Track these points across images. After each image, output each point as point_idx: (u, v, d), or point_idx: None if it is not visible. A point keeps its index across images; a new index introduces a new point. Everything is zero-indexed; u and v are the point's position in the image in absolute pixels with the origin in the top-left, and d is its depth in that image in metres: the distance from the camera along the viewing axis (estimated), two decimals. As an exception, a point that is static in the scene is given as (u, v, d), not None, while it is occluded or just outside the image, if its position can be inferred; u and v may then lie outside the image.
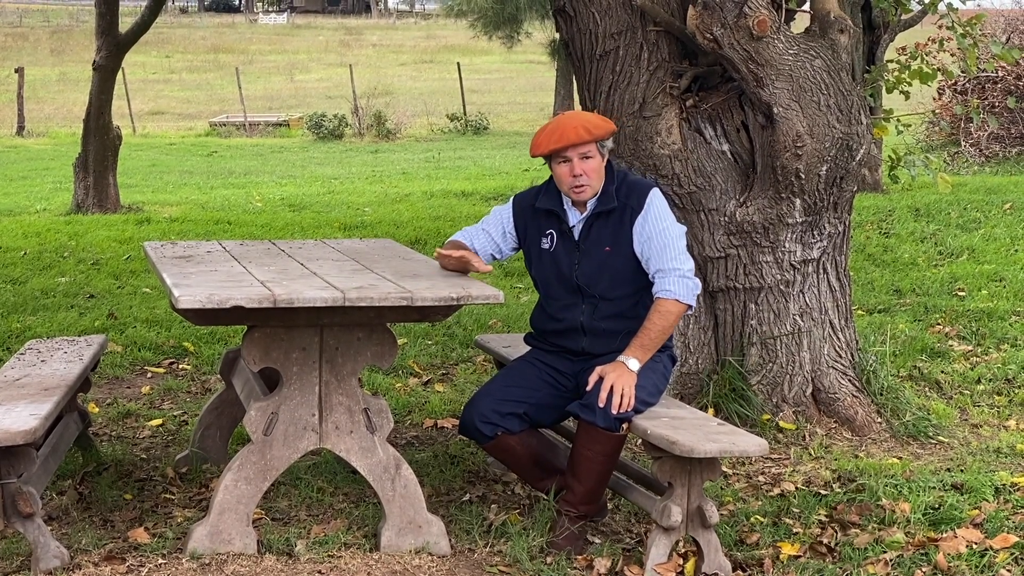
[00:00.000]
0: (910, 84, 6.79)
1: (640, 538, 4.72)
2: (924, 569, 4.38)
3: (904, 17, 9.75)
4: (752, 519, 4.85)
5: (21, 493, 4.20)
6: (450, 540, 4.58)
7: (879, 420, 6.03)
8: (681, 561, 4.43)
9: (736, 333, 6.03)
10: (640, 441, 4.84)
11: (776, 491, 5.19)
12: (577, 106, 6.17)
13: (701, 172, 5.91)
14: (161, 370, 7.37)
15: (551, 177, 4.73)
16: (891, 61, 6.94)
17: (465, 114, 32.88)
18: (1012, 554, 4.47)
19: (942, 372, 7.01)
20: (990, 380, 6.91)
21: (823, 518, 4.87)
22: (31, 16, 77.13)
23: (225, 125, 33.27)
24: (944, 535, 4.61)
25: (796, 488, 5.21)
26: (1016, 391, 6.73)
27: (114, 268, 10.58)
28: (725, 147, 5.98)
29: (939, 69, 7.02)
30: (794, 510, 4.95)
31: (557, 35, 8.59)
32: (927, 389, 6.74)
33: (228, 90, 41.86)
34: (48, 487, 5.04)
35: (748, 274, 5.95)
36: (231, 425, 5.54)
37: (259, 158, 25.65)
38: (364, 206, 14.95)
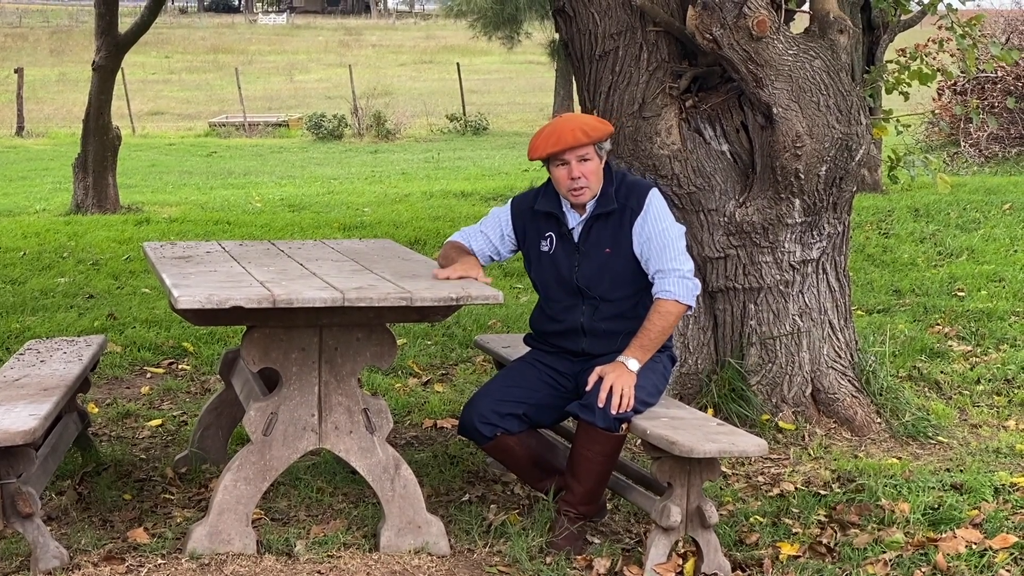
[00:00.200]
0: (909, 85, 6.79)
1: (639, 538, 4.72)
2: (923, 569, 4.38)
3: (903, 18, 9.77)
4: (751, 519, 4.85)
5: (20, 493, 4.20)
6: (449, 540, 4.58)
7: (878, 420, 6.03)
8: (680, 561, 4.43)
9: (735, 333, 6.03)
10: (640, 441, 4.84)
11: (775, 491, 5.19)
12: (577, 106, 6.17)
13: (700, 172, 5.91)
14: (160, 370, 7.37)
15: (549, 179, 4.73)
16: (890, 62, 6.94)
17: (464, 114, 32.88)
18: (1011, 554, 4.47)
19: (941, 372, 7.01)
20: (989, 380, 6.91)
21: (822, 518, 4.87)
22: (30, 16, 77.12)
23: (224, 125, 33.27)
24: (943, 535, 4.61)
25: (795, 488, 5.21)
26: (1015, 391, 6.73)
27: (113, 268, 10.58)
28: (724, 147, 5.98)
29: (938, 70, 7.03)
30: (793, 510, 4.95)
31: (557, 35, 8.59)
32: (926, 389, 6.74)
33: (227, 90, 41.86)
34: (47, 487, 5.04)
35: (747, 274, 5.95)
36: (230, 425, 5.54)
37: (258, 158, 25.65)
38: (363, 206, 14.95)
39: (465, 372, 7.24)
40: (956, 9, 6.35)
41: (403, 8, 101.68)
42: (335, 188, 18.18)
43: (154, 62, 52.87)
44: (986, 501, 4.97)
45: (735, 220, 5.89)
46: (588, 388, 4.49)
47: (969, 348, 7.58)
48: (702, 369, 6.07)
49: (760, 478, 5.39)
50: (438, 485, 5.25)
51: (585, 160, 4.59)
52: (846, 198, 5.97)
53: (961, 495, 5.04)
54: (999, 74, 17.73)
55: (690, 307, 4.60)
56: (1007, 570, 4.38)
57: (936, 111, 17.31)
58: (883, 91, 6.85)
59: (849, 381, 6.09)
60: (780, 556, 4.51)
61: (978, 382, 6.88)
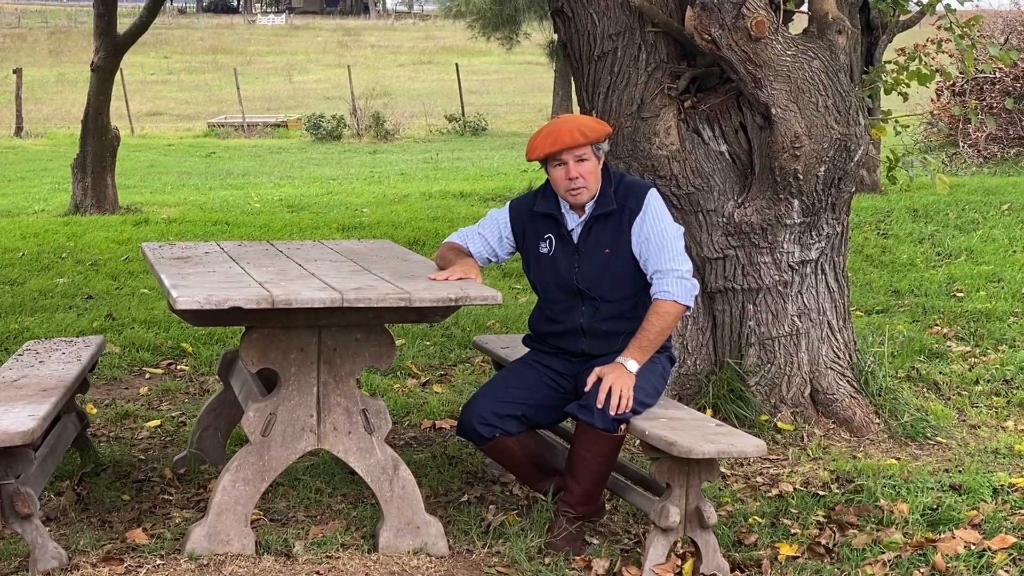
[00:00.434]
0: (908, 85, 6.79)
1: (638, 539, 4.72)
2: (922, 570, 4.39)
3: (902, 18, 9.75)
4: (750, 520, 4.85)
5: (19, 494, 4.20)
6: (448, 541, 4.58)
7: (877, 421, 6.03)
8: (679, 562, 4.43)
9: (734, 334, 6.03)
10: (638, 442, 4.84)
11: (774, 492, 5.19)
12: (576, 107, 6.17)
13: (699, 173, 5.91)
14: (159, 371, 7.37)
15: (548, 181, 4.73)
16: (889, 62, 6.94)
17: (463, 115, 32.88)
18: (1010, 555, 4.47)
19: (940, 373, 7.01)
20: (988, 381, 6.91)
21: (821, 519, 4.87)
22: (29, 17, 77.09)
23: (223, 126, 33.26)
24: (942, 536, 4.61)
25: (794, 489, 5.21)
26: (1014, 392, 6.73)
27: (112, 269, 10.58)
28: (723, 148, 5.98)
29: (937, 70, 7.02)
30: (792, 511, 4.95)
31: (555, 36, 8.58)
32: (925, 390, 6.74)
33: (226, 91, 41.84)
34: (46, 488, 5.03)
35: (746, 275, 5.95)
36: (229, 426, 5.53)
37: (257, 159, 25.64)
38: (362, 207, 14.95)
39: (464, 373, 7.24)
40: (955, 10, 6.35)
41: (402, 9, 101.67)
42: (334, 189, 18.18)
43: (153, 63, 52.87)
44: (985, 502, 4.97)
45: (734, 221, 5.89)
46: (587, 389, 4.49)
47: (968, 349, 7.59)
48: (701, 370, 6.07)
49: (759, 479, 5.39)
50: (437, 486, 5.25)
51: (583, 160, 4.59)
52: (845, 199, 5.97)
53: (960, 496, 5.04)
54: (998, 75, 17.74)
55: (688, 307, 4.60)
56: (1006, 571, 4.38)
57: (935, 112, 17.33)
58: (882, 92, 6.85)
59: (848, 382, 6.09)
60: (779, 557, 4.51)
61: (977, 383, 6.88)
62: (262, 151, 27.70)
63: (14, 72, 31.84)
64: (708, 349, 6.10)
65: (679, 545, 4.49)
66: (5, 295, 9.38)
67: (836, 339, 6.10)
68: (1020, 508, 4.93)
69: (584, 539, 4.63)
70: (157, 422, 6.29)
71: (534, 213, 4.77)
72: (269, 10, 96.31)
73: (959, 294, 9.15)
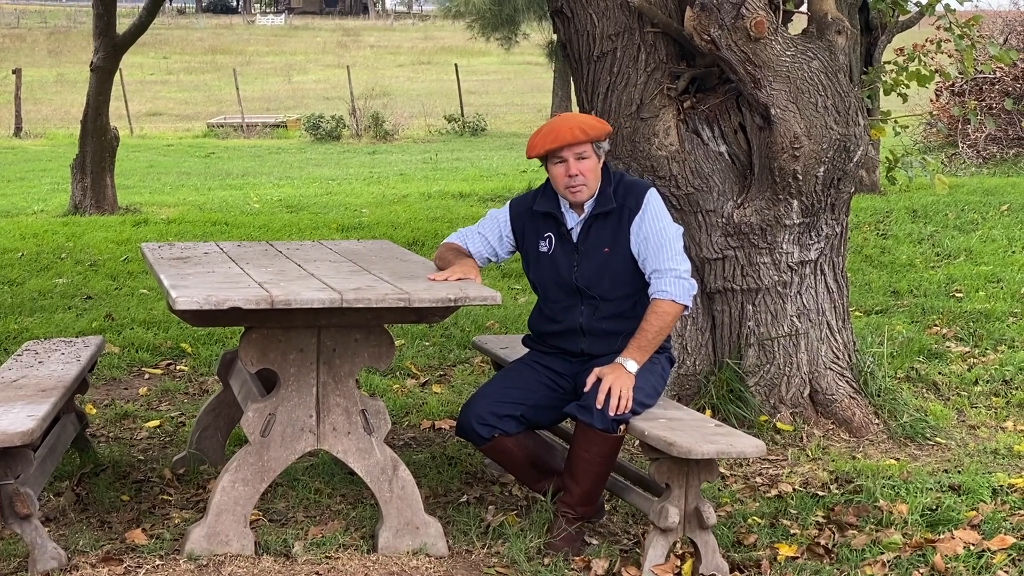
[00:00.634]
0: (907, 86, 6.79)
1: (638, 539, 4.72)
2: (921, 570, 4.39)
3: (902, 18, 9.76)
4: (750, 520, 4.85)
5: (18, 494, 4.20)
6: (448, 541, 4.58)
7: (876, 421, 6.03)
8: (679, 562, 4.43)
9: (734, 335, 6.03)
10: (638, 442, 4.84)
11: (773, 492, 5.19)
12: (575, 107, 6.17)
13: (699, 173, 5.91)
14: (159, 371, 7.36)
15: (548, 180, 4.73)
16: (889, 63, 6.94)
17: (463, 115, 32.88)
18: (1009, 555, 4.48)
19: (939, 373, 7.01)
20: (987, 381, 6.91)
21: (820, 519, 4.87)
22: (28, 17, 77.07)
23: (223, 126, 33.26)
24: (941, 536, 4.61)
25: (794, 489, 5.21)
26: (1013, 392, 6.73)
27: (111, 269, 10.58)
28: (723, 148, 5.98)
29: (936, 71, 7.02)
30: (792, 511, 4.95)
31: (555, 36, 8.58)
32: (924, 390, 6.74)
33: (226, 91, 41.83)
34: (45, 488, 5.03)
35: (746, 275, 5.95)
36: (228, 426, 5.53)
37: (256, 159, 25.64)
38: (362, 207, 14.95)
39: (463, 373, 7.24)
40: (954, 10, 6.35)
41: (401, 9, 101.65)
42: (333, 189, 18.18)
43: (152, 63, 52.86)
44: (984, 502, 4.97)
45: (733, 221, 5.89)
46: (586, 389, 4.49)
47: (967, 349, 7.59)
48: (700, 370, 6.07)
49: (758, 479, 5.39)
50: (436, 486, 5.25)
51: (583, 158, 4.60)
52: (844, 199, 5.97)
53: (959, 496, 5.04)
54: (997, 75, 17.74)
55: (687, 307, 4.60)
56: (1005, 571, 4.38)
57: (934, 112, 17.32)
58: (881, 92, 6.85)
59: (847, 382, 6.09)
60: (778, 557, 4.51)
61: (976, 383, 6.88)
62: (261, 151, 27.71)
63: (13, 72, 31.84)
64: (707, 350, 6.10)
65: (678, 546, 4.49)
66: (4, 295, 9.38)
67: (835, 339, 6.10)
68: (1019, 509, 4.93)
69: (583, 540, 4.63)
70: (156, 422, 6.29)
71: (534, 212, 4.77)
72: (268, 10, 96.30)
73: (958, 294, 9.15)
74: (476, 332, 8.01)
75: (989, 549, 4.50)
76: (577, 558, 4.48)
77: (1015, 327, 8.06)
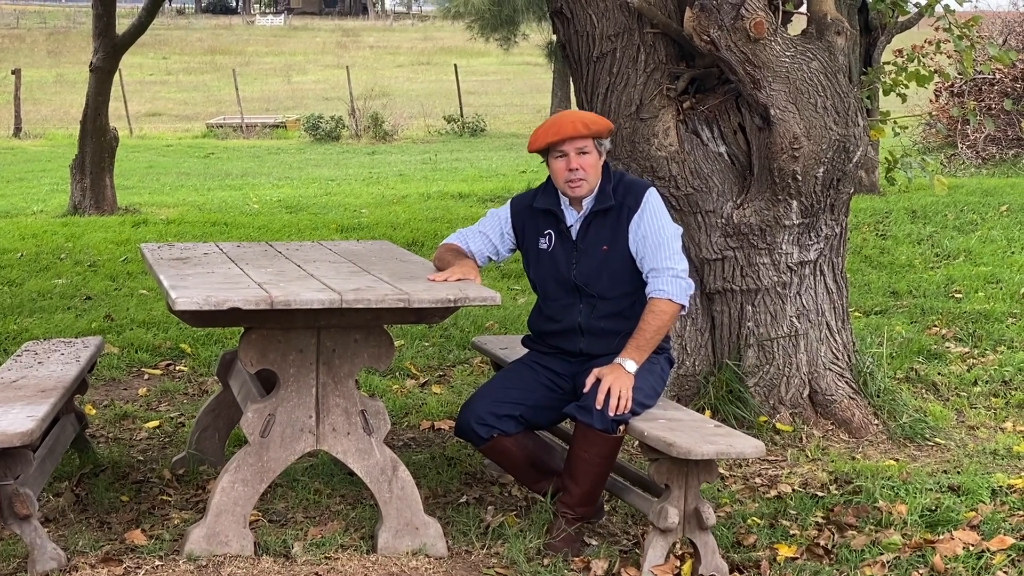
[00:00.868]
0: (907, 86, 6.80)
1: (637, 540, 4.72)
2: (921, 571, 4.39)
3: (901, 19, 9.77)
4: (749, 521, 4.85)
5: (18, 495, 4.20)
6: (447, 542, 4.58)
7: (876, 422, 6.03)
8: (678, 563, 4.43)
9: (733, 335, 6.03)
10: (637, 443, 4.84)
11: (773, 493, 5.19)
12: (574, 108, 6.17)
13: (698, 174, 5.91)
14: (158, 372, 7.36)
15: (549, 178, 4.74)
16: (888, 63, 6.95)
17: (462, 116, 32.89)
18: (1009, 556, 4.48)
19: (939, 374, 7.01)
20: (987, 382, 6.91)
21: (820, 520, 4.87)
22: (28, 17, 77.07)
23: (222, 127, 33.26)
24: (941, 537, 4.61)
25: (793, 490, 5.21)
26: (1012, 393, 6.73)
27: (111, 270, 10.58)
28: (722, 149, 5.98)
29: (936, 71, 7.03)
30: (791, 512, 4.95)
31: (554, 37, 8.59)
32: (924, 391, 6.74)
33: (225, 92, 41.84)
34: (45, 489, 5.03)
35: (745, 276, 5.95)
36: (228, 427, 5.53)
37: (256, 160, 25.64)
38: (361, 208, 14.95)
39: (463, 374, 7.24)
40: (953, 11, 6.36)
41: (400, 9, 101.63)
42: (332, 189, 18.18)
43: (152, 63, 52.86)
44: (983, 503, 4.97)
45: (732, 222, 5.89)
46: (586, 390, 4.49)
47: (966, 350, 7.59)
48: (700, 371, 6.07)
49: (757, 480, 5.39)
50: (436, 487, 5.25)
51: (584, 153, 4.60)
52: (843, 200, 5.97)
53: (958, 497, 5.04)
54: (996, 76, 17.75)
55: (684, 307, 4.60)
56: (1004, 572, 4.38)
57: (933, 113, 17.33)
58: (880, 93, 6.86)
59: (846, 383, 6.09)
60: (777, 558, 4.51)
61: (975, 384, 6.89)
62: (261, 152, 27.70)
63: (13, 73, 31.83)
64: (707, 350, 6.10)
65: (678, 546, 4.49)
66: (4, 296, 9.38)
67: (835, 340, 6.11)
68: (1019, 509, 4.93)
69: (583, 540, 4.63)
70: (156, 423, 6.29)
71: (534, 209, 4.78)
72: (268, 11, 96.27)
73: (958, 295, 9.16)
74: (475, 333, 8.01)
75: (988, 550, 4.50)
76: (576, 559, 4.48)
77: (1014, 328, 8.06)
